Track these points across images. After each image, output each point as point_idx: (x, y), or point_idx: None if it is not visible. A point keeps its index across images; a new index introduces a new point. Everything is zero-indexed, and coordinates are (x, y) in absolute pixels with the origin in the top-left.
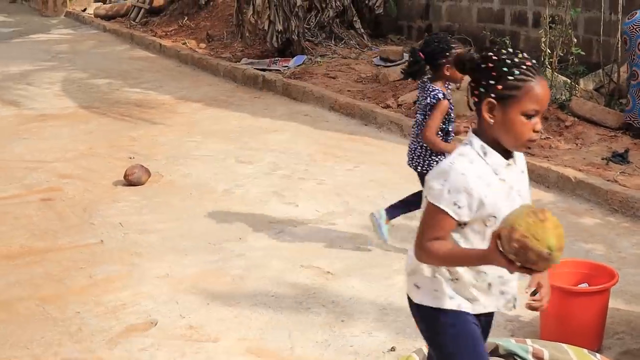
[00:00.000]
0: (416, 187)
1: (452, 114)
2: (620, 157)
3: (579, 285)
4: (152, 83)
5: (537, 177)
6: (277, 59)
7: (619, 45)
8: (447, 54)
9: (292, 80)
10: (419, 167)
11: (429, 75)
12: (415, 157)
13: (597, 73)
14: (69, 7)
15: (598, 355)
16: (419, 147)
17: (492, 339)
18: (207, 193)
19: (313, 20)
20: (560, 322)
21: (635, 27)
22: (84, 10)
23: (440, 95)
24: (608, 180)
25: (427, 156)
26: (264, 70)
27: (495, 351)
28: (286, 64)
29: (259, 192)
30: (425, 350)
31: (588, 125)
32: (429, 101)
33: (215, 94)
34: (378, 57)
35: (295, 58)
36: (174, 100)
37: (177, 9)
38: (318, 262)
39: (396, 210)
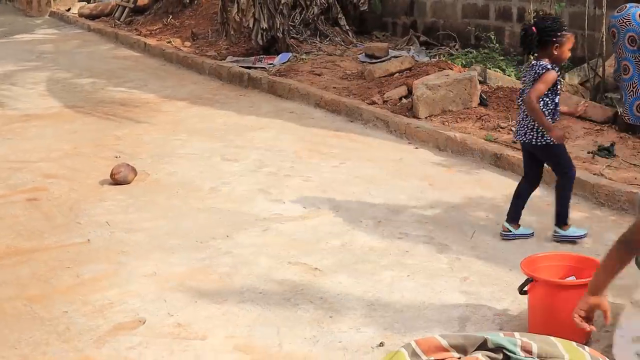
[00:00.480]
0: (404, 183)
1: (560, 87)
2: (606, 151)
3: (567, 279)
4: (137, 82)
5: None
6: (262, 56)
7: (604, 40)
8: (559, 33)
9: (277, 78)
10: (534, 140)
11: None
12: (528, 131)
13: (582, 67)
14: (53, 7)
15: (587, 348)
16: (531, 121)
17: (481, 333)
18: (193, 191)
19: (298, 18)
20: (548, 316)
21: (624, 20)
22: (68, 10)
23: (549, 66)
24: (594, 174)
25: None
26: (249, 68)
27: (483, 345)
28: (271, 62)
29: (245, 190)
30: (414, 345)
31: (573, 120)
32: (536, 70)
33: (200, 92)
34: (363, 54)
35: (280, 55)
36: (158, 99)
37: (162, 8)
38: (305, 259)
39: (516, 213)
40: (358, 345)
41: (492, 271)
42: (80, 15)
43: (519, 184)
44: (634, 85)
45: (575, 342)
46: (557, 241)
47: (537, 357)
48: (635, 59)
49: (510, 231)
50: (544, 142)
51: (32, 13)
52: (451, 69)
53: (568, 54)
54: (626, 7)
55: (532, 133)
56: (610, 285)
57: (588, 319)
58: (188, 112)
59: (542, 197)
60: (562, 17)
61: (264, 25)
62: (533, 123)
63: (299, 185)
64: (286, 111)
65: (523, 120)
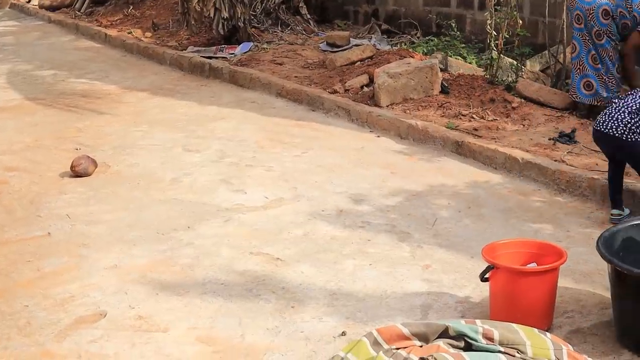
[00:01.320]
0: (366, 171)
1: None
2: (567, 137)
3: (528, 265)
4: (98, 73)
5: (484, 159)
6: (223, 46)
7: (564, 26)
8: None
9: (238, 68)
10: (624, 136)
11: None
12: (622, 126)
13: (543, 54)
14: None
15: (548, 334)
16: (626, 116)
17: (442, 321)
18: (154, 182)
19: (259, 7)
20: (509, 302)
21: (571, 0)
22: (29, 1)
23: None
24: (555, 161)
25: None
26: (210, 58)
27: (445, 332)
28: (232, 52)
29: (207, 180)
30: (376, 333)
31: (535, 106)
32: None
33: (161, 83)
34: (324, 43)
35: (241, 45)
36: (120, 90)
37: None
38: (267, 249)
39: (618, 198)
40: (320, 334)
41: (454, 259)
42: (41, 6)
43: (608, 170)
44: (580, 63)
45: (537, 328)
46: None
47: (499, 344)
48: (581, 37)
49: (621, 214)
50: (634, 139)
51: None
52: (412, 57)
53: None
54: None
55: (624, 129)
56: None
57: None
58: (149, 103)
59: (503, 184)
60: (523, 4)
61: (225, 14)
62: (629, 118)
63: (260, 175)
64: (248, 101)
65: (618, 113)
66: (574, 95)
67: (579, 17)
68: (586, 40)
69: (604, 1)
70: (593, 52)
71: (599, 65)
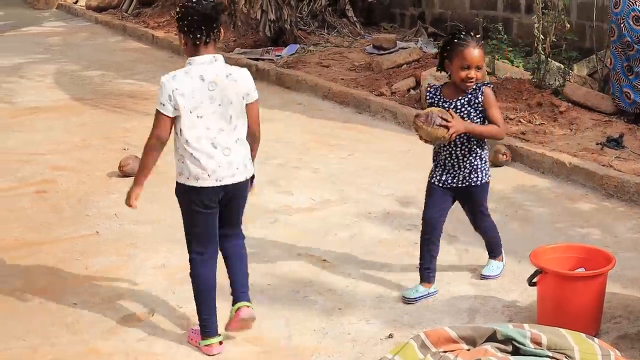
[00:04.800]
0: (412, 174)
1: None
2: (615, 142)
3: (576, 270)
4: (145, 74)
5: (532, 163)
6: (269, 48)
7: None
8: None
9: (285, 70)
10: (480, 180)
11: None
12: (473, 172)
13: (591, 58)
14: None
15: (596, 339)
16: (477, 158)
17: (490, 325)
18: None
19: (305, 9)
20: (557, 307)
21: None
22: (76, 2)
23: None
24: (603, 165)
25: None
26: (256, 59)
27: (493, 336)
28: (279, 53)
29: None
30: (423, 336)
31: (582, 111)
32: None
33: None
34: (371, 46)
35: (288, 47)
36: None
37: (169, 0)
38: (314, 251)
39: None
40: (367, 336)
41: None
42: (88, 7)
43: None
44: (617, 75)
45: (585, 334)
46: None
47: (547, 349)
48: (615, 49)
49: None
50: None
51: (40, 6)
52: None
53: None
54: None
55: (477, 172)
56: (622, 276)
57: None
58: None
59: (551, 189)
60: (570, 8)
61: (272, 16)
62: (480, 161)
63: (307, 177)
64: (294, 103)
65: (465, 159)
66: (619, 104)
67: (612, 29)
68: (619, 52)
69: (635, 6)
70: (626, 63)
71: (632, 76)
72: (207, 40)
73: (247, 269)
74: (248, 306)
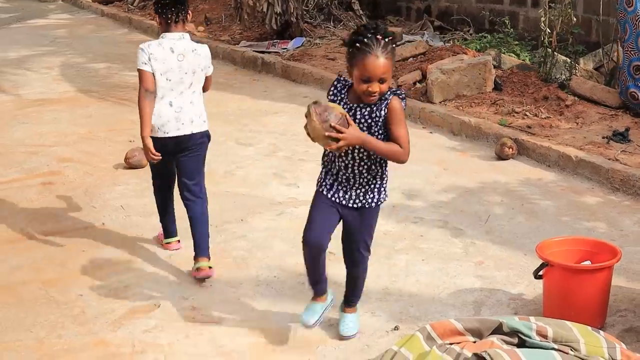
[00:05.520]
0: (418, 167)
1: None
2: (621, 136)
3: (582, 263)
4: None
5: (538, 156)
6: (275, 41)
7: (618, 25)
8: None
9: (291, 62)
10: (374, 202)
11: None
12: (369, 192)
13: (597, 52)
14: None
15: (602, 332)
16: (375, 178)
17: (496, 317)
18: (207, 175)
19: (311, 2)
20: (563, 300)
21: None
22: None
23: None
24: (609, 159)
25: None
26: (262, 52)
27: (499, 329)
28: (285, 46)
29: (260, 174)
30: (429, 328)
31: (588, 105)
32: None
33: (214, 77)
34: None
35: (294, 40)
36: None
37: None
38: None
39: None
40: (373, 329)
41: (507, 255)
42: (94, 0)
43: None
44: (623, 74)
45: (591, 326)
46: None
47: (553, 341)
48: (624, 48)
49: None
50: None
51: None
52: (465, 53)
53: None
54: None
55: (373, 193)
56: (628, 270)
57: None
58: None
59: (557, 182)
60: (576, 1)
61: (278, 9)
62: (380, 180)
63: (313, 169)
64: (300, 95)
65: (361, 177)
66: (626, 101)
67: (625, 29)
68: (629, 51)
69: None
70: (635, 62)
71: (639, 76)
72: (177, 20)
73: (207, 230)
74: (209, 267)
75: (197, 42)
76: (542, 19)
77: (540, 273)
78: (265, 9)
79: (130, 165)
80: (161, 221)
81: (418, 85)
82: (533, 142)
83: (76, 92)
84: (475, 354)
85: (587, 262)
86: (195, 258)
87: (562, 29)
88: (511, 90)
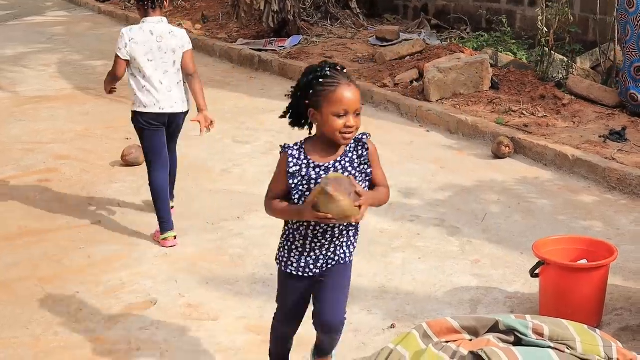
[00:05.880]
0: (415, 166)
1: None
2: (618, 135)
3: (578, 262)
4: None
5: (534, 155)
6: (273, 39)
7: (616, 24)
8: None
9: (288, 60)
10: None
11: None
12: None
13: (594, 51)
14: None
15: (598, 331)
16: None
17: (492, 315)
18: (204, 173)
19: (309, 0)
20: (559, 298)
21: None
22: None
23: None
24: (606, 158)
25: None
26: (260, 50)
27: (495, 327)
28: (282, 44)
29: (257, 172)
30: (425, 326)
31: (585, 104)
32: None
33: (211, 75)
34: (374, 37)
35: (291, 38)
36: None
37: None
38: None
39: None
40: (370, 327)
41: (504, 254)
42: None
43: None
44: (624, 75)
45: (587, 325)
46: None
47: (549, 340)
48: (625, 49)
49: None
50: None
51: None
52: (462, 52)
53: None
54: None
55: (346, 248)
56: (624, 269)
57: None
58: None
59: (553, 181)
60: (573, 1)
61: (275, 7)
62: (354, 233)
63: None
64: None
65: (341, 236)
66: (626, 103)
67: (627, 30)
68: (630, 53)
69: None
70: (636, 64)
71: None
72: (154, 7)
73: (167, 202)
74: (175, 237)
75: (195, 39)
76: (540, 17)
77: (537, 271)
78: (262, 7)
79: (126, 162)
80: (160, 212)
81: (415, 83)
82: (530, 141)
83: (73, 89)
84: (471, 352)
85: (584, 261)
86: (161, 230)
87: (559, 28)
88: (508, 89)
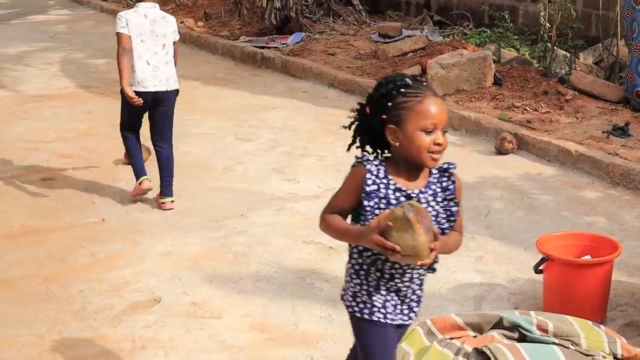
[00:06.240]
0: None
1: None
2: (621, 131)
3: (582, 258)
4: None
5: (537, 151)
6: (275, 36)
7: (619, 19)
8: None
9: (290, 57)
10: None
11: None
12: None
13: (597, 47)
14: None
15: (602, 327)
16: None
17: (497, 312)
18: (207, 170)
19: None
20: (563, 294)
21: None
22: None
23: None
24: (609, 154)
25: None
26: (262, 47)
27: (499, 323)
28: (284, 42)
29: (259, 169)
30: (430, 323)
31: (588, 99)
32: None
33: (213, 72)
34: (377, 34)
35: (293, 35)
36: None
37: None
38: (320, 238)
39: None
40: None
41: (507, 250)
42: None
43: None
44: (631, 73)
45: (591, 321)
46: None
47: (554, 336)
48: (633, 46)
49: None
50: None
51: None
52: (465, 48)
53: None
54: None
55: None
56: (628, 264)
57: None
58: (202, 92)
59: (556, 177)
60: None
61: (277, 4)
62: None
63: (313, 165)
64: (299, 91)
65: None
66: (632, 100)
67: (634, 27)
68: (637, 50)
69: None
70: None
71: None
72: None
73: (172, 172)
74: (172, 201)
75: (197, 36)
76: (542, 13)
77: (541, 268)
78: (264, 4)
79: (129, 161)
80: (133, 159)
81: None
82: (533, 137)
83: (76, 87)
84: (475, 349)
85: (588, 257)
86: (161, 196)
87: (561, 24)
88: (511, 85)
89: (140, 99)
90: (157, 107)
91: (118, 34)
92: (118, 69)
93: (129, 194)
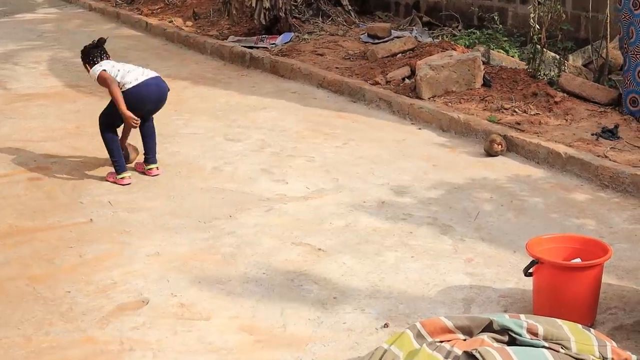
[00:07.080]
0: (407, 163)
1: None
2: (610, 133)
3: (572, 260)
4: (139, 62)
5: (527, 153)
6: (264, 36)
7: (608, 21)
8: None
9: (279, 58)
10: None
11: None
12: None
13: (586, 49)
14: None
15: (592, 330)
16: None
17: (486, 315)
18: (195, 171)
19: None
20: (553, 297)
21: None
22: None
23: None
24: (598, 156)
25: None
26: (251, 47)
27: (489, 326)
28: (273, 42)
29: (248, 170)
30: (419, 326)
31: (577, 101)
32: None
33: (202, 72)
34: (366, 34)
35: (282, 35)
36: None
37: None
38: (309, 239)
39: None
40: (362, 326)
41: (497, 252)
42: None
43: None
44: (628, 78)
45: (581, 324)
46: None
47: (543, 339)
48: (631, 51)
49: None
50: None
51: None
52: (454, 49)
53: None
54: None
55: None
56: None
57: None
58: (190, 92)
59: (546, 179)
60: None
61: (267, 4)
62: None
63: (302, 166)
64: (288, 91)
65: None
66: (623, 106)
67: (631, 31)
68: (635, 55)
69: None
70: None
71: None
72: (102, 59)
73: (155, 141)
74: (157, 167)
75: (186, 36)
76: (531, 15)
77: (530, 270)
78: (253, 4)
79: (112, 159)
80: (113, 157)
81: (407, 81)
82: (522, 139)
83: (64, 87)
84: (465, 352)
85: (578, 260)
86: (147, 164)
87: (551, 26)
88: (500, 87)
89: (139, 120)
90: (157, 107)
91: (99, 76)
92: (114, 99)
93: (106, 177)
